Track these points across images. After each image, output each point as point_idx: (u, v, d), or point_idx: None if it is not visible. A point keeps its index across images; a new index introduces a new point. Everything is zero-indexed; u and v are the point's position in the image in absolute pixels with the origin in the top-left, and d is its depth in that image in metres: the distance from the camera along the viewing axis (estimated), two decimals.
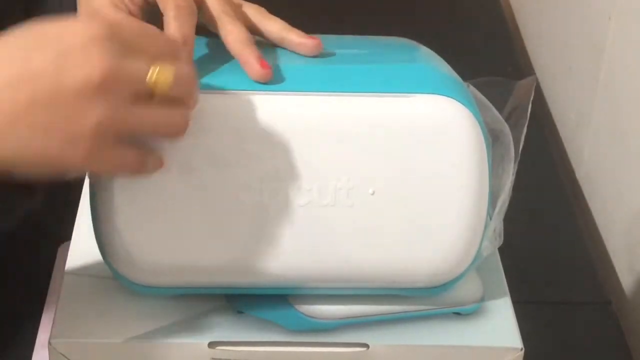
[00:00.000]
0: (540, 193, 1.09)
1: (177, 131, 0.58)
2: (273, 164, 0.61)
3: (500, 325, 0.66)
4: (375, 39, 0.72)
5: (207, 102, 0.60)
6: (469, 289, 0.67)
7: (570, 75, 1.24)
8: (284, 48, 0.67)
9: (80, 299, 0.67)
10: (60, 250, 0.86)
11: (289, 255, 0.62)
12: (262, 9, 0.68)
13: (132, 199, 0.61)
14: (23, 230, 0.81)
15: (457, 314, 0.67)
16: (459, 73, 0.67)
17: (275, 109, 0.61)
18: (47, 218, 0.85)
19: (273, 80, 0.62)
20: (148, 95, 0.55)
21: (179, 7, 0.62)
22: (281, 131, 0.60)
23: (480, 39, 1.40)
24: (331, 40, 0.71)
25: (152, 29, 0.57)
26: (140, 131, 0.57)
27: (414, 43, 0.71)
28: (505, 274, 0.70)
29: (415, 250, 0.63)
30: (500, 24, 1.47)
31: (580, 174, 1.18)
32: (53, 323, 0.65)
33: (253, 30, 0.66)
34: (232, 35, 0.63)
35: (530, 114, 0.68)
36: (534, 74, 1.36)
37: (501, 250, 0.70)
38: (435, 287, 0.65)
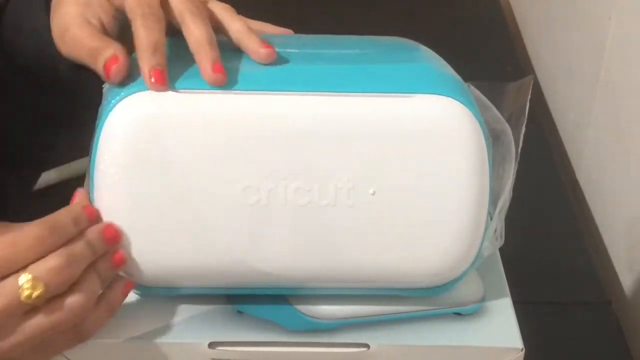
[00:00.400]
0: (540, 193, 1.09)
1: (80, 314, 0.58)
2: (273, 164, 0.61)
3: (500, 326, 0.66)
4: (375, 39, 0.72)
5: (206, 102, 0.60)
6: (470, 289, 0.67)
7: (570, 75, 1.24)
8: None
9: None
10: None
11: (289, 255, 0.62)
12: (229, 7, 0.67)
13: (132, 201, 0.61)
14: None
15: (458, 314, 0.67)
16: (459, 73, 0.66)
17: (275, 109, 0.61)
18: None
19: (272, 80, 0.62)
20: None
21: (145, 16, 0.62)
22: (281, 131, 0.60)
23: (480, 39, 1.40)
24: (331, 40, 0.71)
25: (19, 236, 0.56)
26: (51, 331, 0.57)
27: (414, 43, 0.71)
28: (506, 274, 0.70)
29: (415, 250, 0.63)
30: (500, 24, 1.47)
31: (581, 174, 1.18)
32: None
33: (217, 29, 0.65)
34: (192, 36, 0.62)
35: (530, 114, 0.68)
36: (534, 74, 1.36)
37: (501, 250, 0.70)
38: (436, 287, 0.65)
